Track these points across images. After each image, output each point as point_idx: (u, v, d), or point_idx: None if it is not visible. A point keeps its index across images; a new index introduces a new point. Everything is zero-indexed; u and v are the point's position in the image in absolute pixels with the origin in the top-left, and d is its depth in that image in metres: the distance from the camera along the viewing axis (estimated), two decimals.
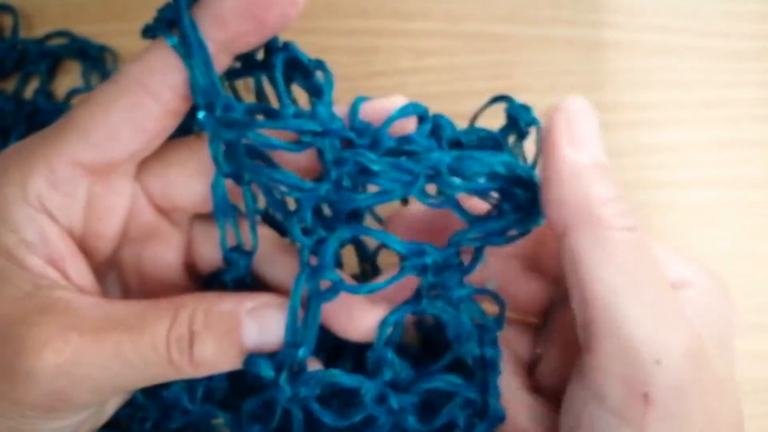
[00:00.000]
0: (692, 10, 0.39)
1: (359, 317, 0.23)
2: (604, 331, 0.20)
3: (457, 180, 0.22)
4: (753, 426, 0.23)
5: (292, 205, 0.23)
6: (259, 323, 0.21)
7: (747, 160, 0.38)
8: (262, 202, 0.24)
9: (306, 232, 0.22)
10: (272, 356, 0.22)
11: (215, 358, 0.21)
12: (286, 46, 0.23)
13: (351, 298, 0.23)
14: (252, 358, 0.22)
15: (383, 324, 0.24)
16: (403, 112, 0.23)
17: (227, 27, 0.21)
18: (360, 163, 0.21)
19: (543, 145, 0.21)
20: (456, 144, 0.24)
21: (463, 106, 0.36)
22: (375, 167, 0.21)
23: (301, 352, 0.22)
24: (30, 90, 0.39)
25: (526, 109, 0.23)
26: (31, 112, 0.38)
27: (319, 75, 0.24)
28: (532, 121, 0.23)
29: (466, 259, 0.24)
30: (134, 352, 0.20)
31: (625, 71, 0.38)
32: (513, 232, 0.23)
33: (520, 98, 0.37)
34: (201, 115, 0.21)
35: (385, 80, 0.37)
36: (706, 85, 0.39)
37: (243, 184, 0.23)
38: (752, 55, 0.39)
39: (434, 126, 0.23)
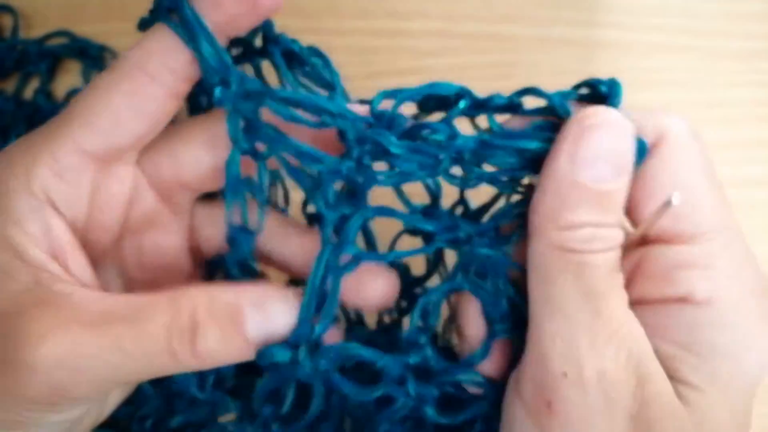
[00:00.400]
0: (692, 10, 0.39)
1: (369, 283, 0.23)
2: (531, 337, 0.21)
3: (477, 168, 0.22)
4: (759, 425, 0.23)
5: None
6: (263, 314, 0.21)
7: (747, 160, 0.38)
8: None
9: (328, 207, 0.22)
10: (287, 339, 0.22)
11: (219, 349, 0.21)
12: (278, 39, 0.24)
13: (361, 269, 0.23)
14: (265, 351, 0.21)
15: (418, 305, 0.24)
16: (432, 89, 0.22)
17: (222, 9, 0.21)
18: (380, 144, 0.21)
19: (550, 151, 0.21)
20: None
21: None
22: (394, 150, 0.21)
23: (318, 328, 0.22)
24: (30, 90, 0.39)
25: (610, 80, 0.22)
26: (31, 112, 0.38)
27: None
28: (614, 84, 0.22)
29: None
30: (135, 344, 0.20)
31: (625, 71, 0.38)
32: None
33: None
34: (218, 91, 0.21)
35: (385, 80, 0.37)
36: (706, 85, 0.39)
37: (259, 160, 0.23)
38: (752, 55, 0.39)
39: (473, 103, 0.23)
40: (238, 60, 0.24)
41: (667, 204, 0.20)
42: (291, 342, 0.22)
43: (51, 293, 0.20)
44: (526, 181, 0.23)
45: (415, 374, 0.24)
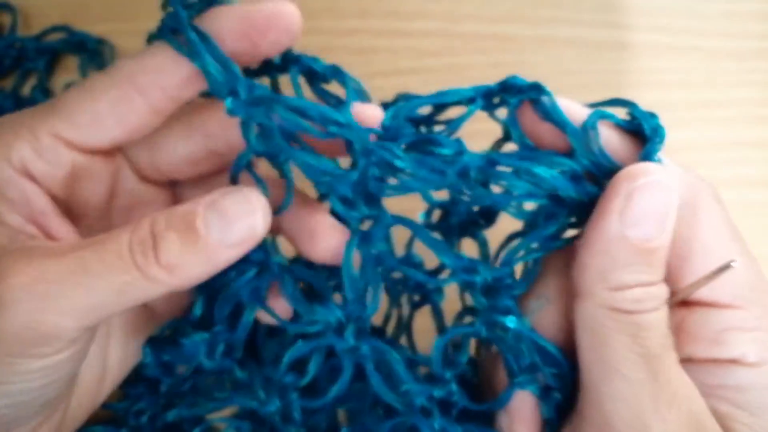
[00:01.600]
0: (693, 10, 0.39)
1: (322, 240, 0.24)
2: (588, 398, 0.21)
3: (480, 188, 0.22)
4: None
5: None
6: (219, 212, 0.21)
7: (747, 160, 0.38)
8: None
9: (347, 203, 0.23)
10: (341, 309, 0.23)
11: (183, 256, 0.20)
12: (299, 59, 0.24)
13: (316, 222, 0.24)
14: (319, 308, 0.23)
15: (438, 342, 0.24)
16: (443, 97, 0.23)
17: (223, 45, 0.21)
18: (384, 158, 0.21)
19: (599, 203, 0.21)
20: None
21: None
22: (399, 163, 0.21)
23: (369, 309, 0.23)
24: (28, 87, 0.39)
25: (652, 115, 0.22)
26: None
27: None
28: (658, 128, 0.22)
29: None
30: (98, 262, 0.20)
31: (626, 71, 0.38)
32: (570, 233, 0.23)
33: None
34: (229, 101, 0.21)
35: (385, 80, 0.37)
36: (706, 85, 0.39)
37: (279, 162, 0.23)
38: (753, 55, 0.39)
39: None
40: (256, 74, 0.24)
41: (725, 268, 0.21)
42: (343, 314, 0.23)
43: (25, 246, 0.21)
44: (530, 206, 0.23)
45: (440, 408, 0.24)
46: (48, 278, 0.20)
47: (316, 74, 0.24)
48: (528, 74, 0.38)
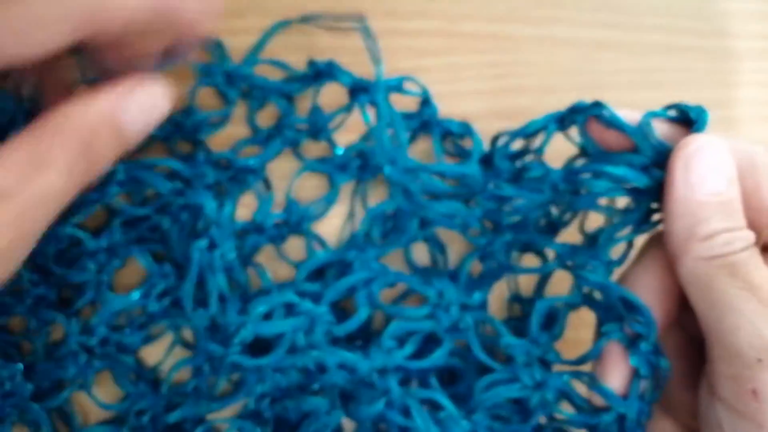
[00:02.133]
0: (693, 9, 0.39)
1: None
2: (712, 341, 0.24)
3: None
4: None
5: None
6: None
7: None
8: None
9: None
10: None
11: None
12: (440, 124, 0.34)
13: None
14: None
15: (539, 305, 0.29)
16: (532, 126, 0.29)
17: None
18: (493, 193, 0.29)
19: (666, 177, 0.25)
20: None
21: (462, 106, 0.36)
22: (506, 193, 0.29)
23: (477, 296, 0.31)
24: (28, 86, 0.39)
25: (698, 106, 0.26)
26: (29, 110, 0.38)
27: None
28: (702, 112, 0.26)
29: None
30: None
31: (625, 71, 0.38)
32: (657, 216, 0.27)
33: (520, 98, 0.37)
34: (387, 169, 0.30)
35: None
36: (706, 85, 0.39)
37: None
38: (752, 55, 0.39)
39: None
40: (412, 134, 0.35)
41: None
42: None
43: None
44: (622, 202, 0.27)
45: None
46: None
47: (451, 133, 0.34)
48: (528, 74, 0.38)
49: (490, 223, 0.31)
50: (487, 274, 0.31)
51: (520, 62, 0.37)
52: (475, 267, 0.32)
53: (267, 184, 0.34)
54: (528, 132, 0.29)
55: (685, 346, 0.28)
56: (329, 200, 0.34)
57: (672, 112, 0.27)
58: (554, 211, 0.30)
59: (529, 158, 0.31)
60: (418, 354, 0.29)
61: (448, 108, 0.35)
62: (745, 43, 0.40)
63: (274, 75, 0.34)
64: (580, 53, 0.38)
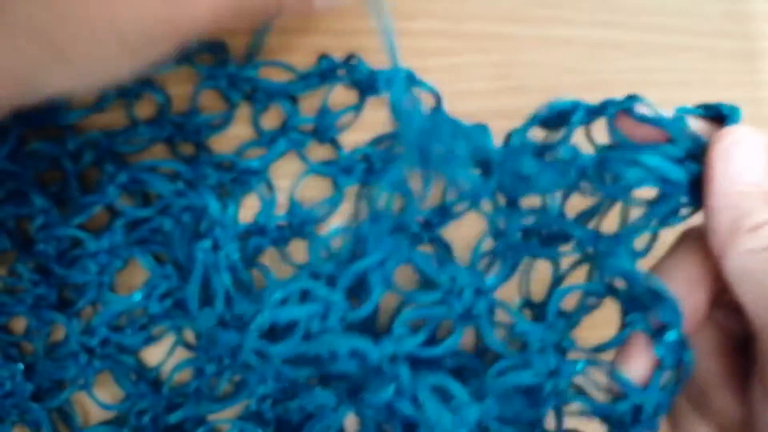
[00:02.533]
0: (692, 9, 0.39)
1: None
2: (762, 337, 0.23)
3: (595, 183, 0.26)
4: None
5: None
6: None
7: None
8: None
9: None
10: None
11: None
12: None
13: None
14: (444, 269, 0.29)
15: (558, 293, 0.28)
16: (551, 108, 0.28)
17: None
18: (513, 167, 0.27)
19: (705, 172, 0.24)
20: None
21: (464, 106, 0.36)
22: (527, 170, 0.27)
23: (490, 281, 0.30)
24: None
25: (730, 105, 0.26)
26: (29, 109, 0.38)
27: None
28: (734, 109, 0.26)
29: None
30: None
31: (625, 71, 0.38)
32: (685, 211, 0.26)
33: (520, 98, 0.37)
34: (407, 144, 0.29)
35: None
36: (706, 85, 0.39)
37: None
38: (752, 55, 0.40)
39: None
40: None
41: None
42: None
43: None
44: (648, 193, 0.26)
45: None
46: None
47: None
48: (528, 74, 0.38)
49: (504, 198, 0.29)
50: (501, 255, 0.30)
51: (523, 62, 0.37)
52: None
53: (270, 186, 0.34)
54: (552, 112, 0.28)
55: (724, 347, 0.27)
56: (333, 203, 0.34)
57: (702, 110, 0.26)
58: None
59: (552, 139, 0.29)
60: (429, 344, 0.29)
61: (451, 108, 0.35)
62: (745, 43, 0.40)
63: (277, 76, 0.34)
64: (583, 53, 0.38)
